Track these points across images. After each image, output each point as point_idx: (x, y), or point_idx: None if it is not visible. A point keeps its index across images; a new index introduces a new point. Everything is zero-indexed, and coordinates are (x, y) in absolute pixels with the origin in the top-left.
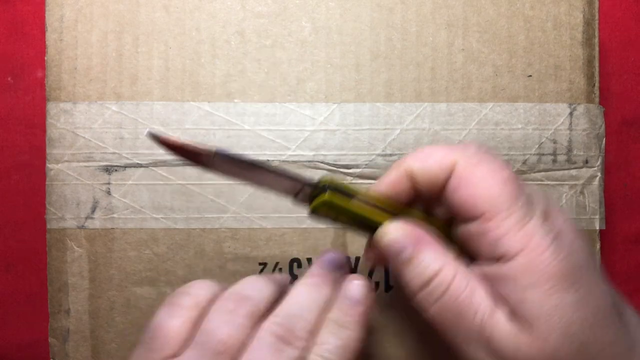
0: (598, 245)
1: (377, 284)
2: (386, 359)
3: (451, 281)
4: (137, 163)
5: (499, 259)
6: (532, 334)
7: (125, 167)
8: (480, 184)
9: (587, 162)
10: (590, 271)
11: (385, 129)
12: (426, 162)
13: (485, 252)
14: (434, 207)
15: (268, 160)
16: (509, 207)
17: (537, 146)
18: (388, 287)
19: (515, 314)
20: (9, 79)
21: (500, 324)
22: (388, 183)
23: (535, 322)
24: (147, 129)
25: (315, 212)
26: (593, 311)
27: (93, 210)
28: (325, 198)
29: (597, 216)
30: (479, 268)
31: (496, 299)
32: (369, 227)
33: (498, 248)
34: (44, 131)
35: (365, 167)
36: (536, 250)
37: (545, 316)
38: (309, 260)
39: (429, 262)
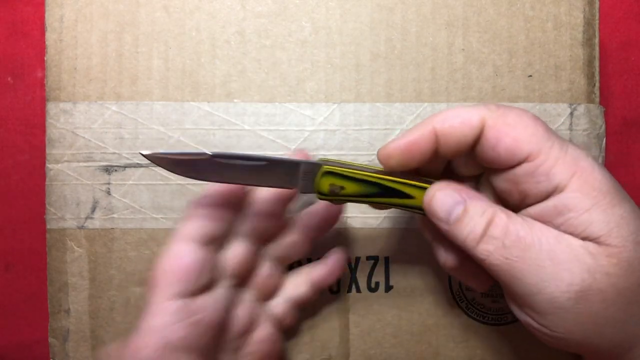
0: None
1: (377, 284)
2: (386, 358)
3: (507, 222)
4: (137, 163)
5: (553, 191)
6: (607, 248)
7: (125, 167)
8: (517, 129)
9: None
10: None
11: (385, 129)
12: (454, 123)
13: (537, 191)
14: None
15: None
16: (547, 140)
17: None
18: (388, 287)
19: (585, 237)
20: (9, 79)
21: (571, 248)
22: (411, 141)
23: (607, 238)
24: (140, 151)
25: (321, 192)
26: None
27: (93, 210)
28: (324, 168)
29: None
30: (526, 212)
31: (559, 230)
32: (379, 193)
33: (551, 179)
34: (44, 131)
35: None
36: (587, 169)
37: (616, 228)
38: (309, 260)
39: (482, 211)
